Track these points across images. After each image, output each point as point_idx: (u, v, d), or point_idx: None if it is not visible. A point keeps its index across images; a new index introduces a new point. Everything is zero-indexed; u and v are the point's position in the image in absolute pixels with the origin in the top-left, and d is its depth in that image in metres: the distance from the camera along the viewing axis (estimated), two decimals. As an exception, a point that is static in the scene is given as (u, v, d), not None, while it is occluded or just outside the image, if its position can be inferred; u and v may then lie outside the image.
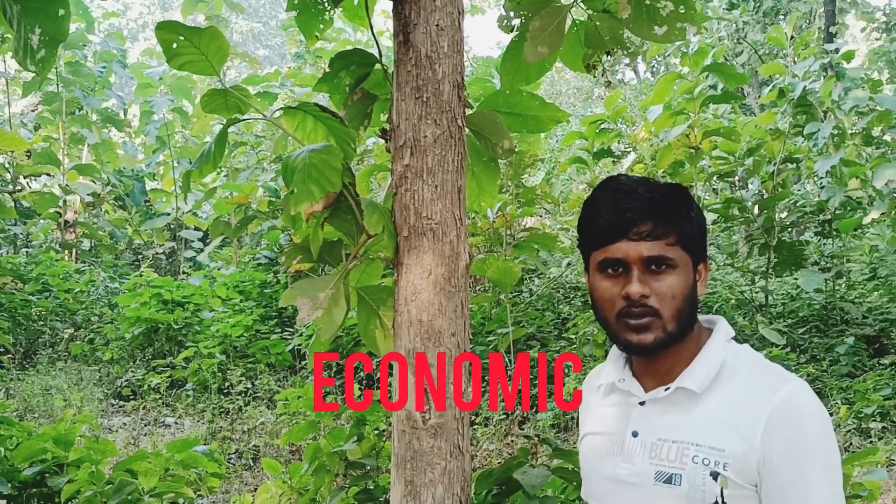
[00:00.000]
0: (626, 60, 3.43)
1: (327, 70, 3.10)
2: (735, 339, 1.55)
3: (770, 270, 8.05)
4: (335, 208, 2.73)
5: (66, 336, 9.98)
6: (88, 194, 13.33)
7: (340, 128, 2.89)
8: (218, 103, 2.91)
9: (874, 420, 5.57)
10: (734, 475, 1.36)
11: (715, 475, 1.37)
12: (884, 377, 6.28)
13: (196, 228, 14.23)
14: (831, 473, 1.35)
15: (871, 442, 5.27)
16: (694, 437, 1.41)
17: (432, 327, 2.56)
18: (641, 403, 1.51)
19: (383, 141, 2.78)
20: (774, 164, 8.04)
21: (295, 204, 2.52)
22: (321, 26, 3.39)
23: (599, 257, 1.48)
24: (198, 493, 3.28)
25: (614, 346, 1.61)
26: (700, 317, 1.53)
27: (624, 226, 1.43)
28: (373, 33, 3.08)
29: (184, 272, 13.39)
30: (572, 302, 8.87)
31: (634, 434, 1.49)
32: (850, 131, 8.60)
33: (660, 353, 1.47)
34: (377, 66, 3.03)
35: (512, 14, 3.29)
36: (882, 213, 8.29)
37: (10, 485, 3.21)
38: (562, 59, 3.40)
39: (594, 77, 3.68)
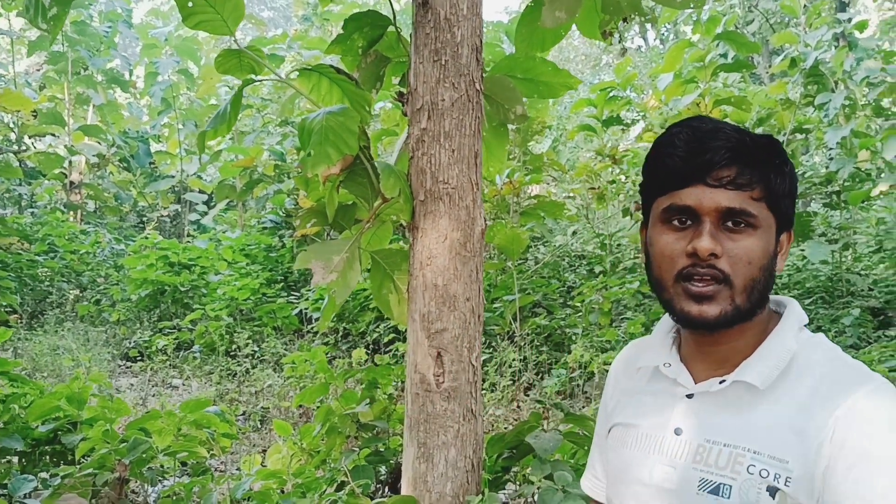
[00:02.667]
0: (638, 28, 3.40)
1: (340, 32, 3.08)
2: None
3: (777, 241, 8.03)
4: (351, 171, 2.73)
5: (72, 297, 10.01)
6: (94, 155, 13.31)
7: (356, 90, 2.87)
8: (232, 63, 2.89)
9: (879, 392, 5.59)
10: (795, 492, 1.11)
11: (773, 491, 1.12)
12: (889, 349, 6.29)
13: (201, 191, 14.23)
14: None
15: (875, 413, 5.29)
16: (751, 442, 1.16)
17: (447, 292, 2.57)
18: (689, 396, 1.27)
19: (390, 105, 2.77)
20: (784, 135, 7.99)
21: (312, 166, 2.52)
22: (334, -13, 3.34)
23: (665, 203, 1.22)
24: (211, 452, 3.31)
25: (661, 321, 1.39)
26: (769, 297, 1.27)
27: (702, 167, 1.18)
28: (388, -5, 3.04)
29: (188, 235, 13.41)
30: (577, 270, 8.87)
31: (677, 432, 1.25)
32: (861, 102, 8.54)
33: (722, 331, 1.22)
34: (390, 28, 3.00)
35: (529, -23, 3.26)
36: (891, 186, 8.25)
37: (23, 441, 3.24)
38: (578, 25, 3.38)
39: (609, 44, 3.64)
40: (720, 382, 1.22)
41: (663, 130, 1.27)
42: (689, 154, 1.19)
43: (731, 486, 1.15)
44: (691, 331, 1.26)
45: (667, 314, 1.28)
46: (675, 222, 1.21)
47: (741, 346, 1.23)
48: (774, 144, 1.22)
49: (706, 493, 1.17)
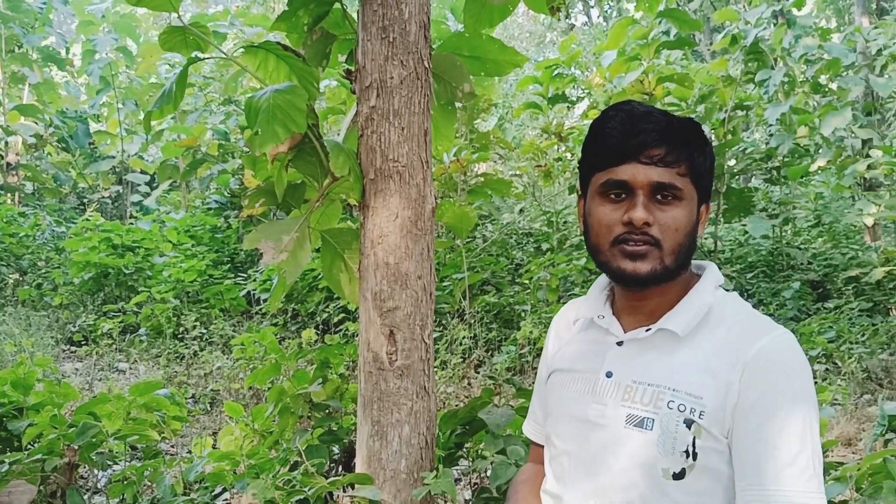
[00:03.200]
0: (581, 5, 3.42)
1: (283, 9, 3.04)
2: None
3: (719, 216, 8.19)
4: (299, 150, 2.70)
5: (12, 281, 9.78)
6: (31, 136, 12.96)
7: (303, 67, 2.84)
8: (177, 41, 2.85)
9: (819, 362, 5.75)
10: (708, 424, 1.29)
11: (689, 423, 1.30)
12: (828, 320, 6.48)
13: (143, 172, 13.95)
14: (807, 425, 1.27)
15: (815, 383, 5.44)
16: (671, 381, 1.34)
17: (399, 270, 2.57)
18: (619, 343, 1.44)
19: (336, 83, 2.75)
20: (726, 111, 8.13)
21: (260, 145, 2.49)
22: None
23: (603, 179, 1.38)
24: (162, 435, 3.28)
25: (597, 280, 1.57)
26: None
27: (636, 147, 1.34)
28: (333, -29, 3.00)
29: (131, 216, 13.16)
30: (525, 248, 8.95)
31: (608, 374, 1.42)
32: (799, 79, 8.72)
33: (651, 287, 1.39)
34: (336, 4, 2.98)
35: (476, -46, 3.26)
36: (828, 161, 8.46)
37: (-33, 429, 3.18)
38: (526, 2, 3.38)
39: (557, 19, 3.66)
40: (646, 331, 1.41)
41: (601, 112, 1.43)
42: (624, 135, 1.35)
43: (653, 420, 1.32)
44: (624, 286, 1.44)
45: (603, 274, 1.49)
46: (612, 195, 1.38)
47: (665, 300, 1.42)
48: (696, 127, 1.41)
49: (632, 426, 1.34)
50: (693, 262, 1.46)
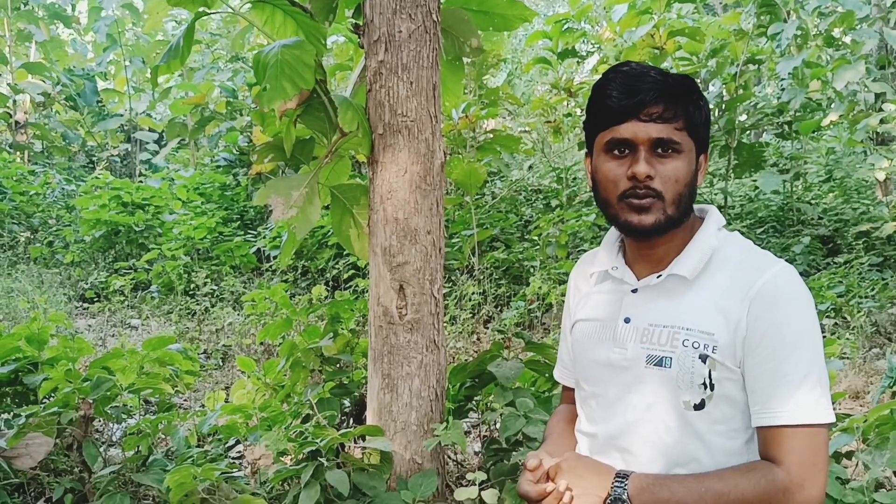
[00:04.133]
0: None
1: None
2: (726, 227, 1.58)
3: (730, 172, 8.15)
4: (308, 106, 2.70)
5: (23, 239, 9.84)
6: (38, 94, 12.93)
7: (310, 22, 2.82)
8: (185, -4, 2.82)
9: (828, 316, 5.76)
10: (721, 357, 1.40)
11: (704, 358, 1.41)
12: (837, 275, 6.47)
13: (151, 130, 13.91)
14: (812, 350, 1.38)
15: (824, 336, 5.45)
16: (684, 321, 1.45)
17: (408, 225, 2.58)
18: (634, 291, 1.55)
19: (343, 39, 2.73)
20: (737, 66, 8.03)
21: (268, 101, 2.49)
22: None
23: (607, 137, 1.48)
24: (175, 389, 3.33)
25: (608, 233, 1.67)
26: (693, 206, 1.56)
27: (635, 106, 1.44)
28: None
29: (140, 174, 13.17)
30: (534, 204, 8.93)
31: (626, 320, 1.53)
32: (812, 32, 8.60)
33: (657, 236, 1.49)
34: (345, -42, 2.95)
35: None
36: (840, 115, 8.37)
37: (-17, 383, 3.22)
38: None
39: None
40: (657, 277, 1.51)
41: (612, 65, 1.52)
42: (623, 95, 1.45)
43: (671, 358, 1.44)
44: (633, 237, 1.54)
45: (613, 227, 1.59)
46: (616, 152, 1.48)
47: (673, 247, 1.52)
48: (691, 83, 1.49)
49: (652, 366, 1.47)
50: (695, 206, 1.56)
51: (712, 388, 1.42)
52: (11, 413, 3.20)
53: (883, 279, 6.42)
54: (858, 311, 5.59)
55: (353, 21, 2.79)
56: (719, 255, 1.49)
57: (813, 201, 8.53)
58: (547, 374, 2.99)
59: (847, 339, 5.24)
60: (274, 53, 2.51)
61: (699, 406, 1.43)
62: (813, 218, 7.98)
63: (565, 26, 8.85)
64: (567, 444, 1.68)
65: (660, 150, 1.45)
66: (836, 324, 5.65)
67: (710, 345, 1.41)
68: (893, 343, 5.39)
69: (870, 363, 4.97)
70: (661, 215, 1.45)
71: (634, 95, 1.43)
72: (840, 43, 8.99)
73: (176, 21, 12.78)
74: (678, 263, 1.49)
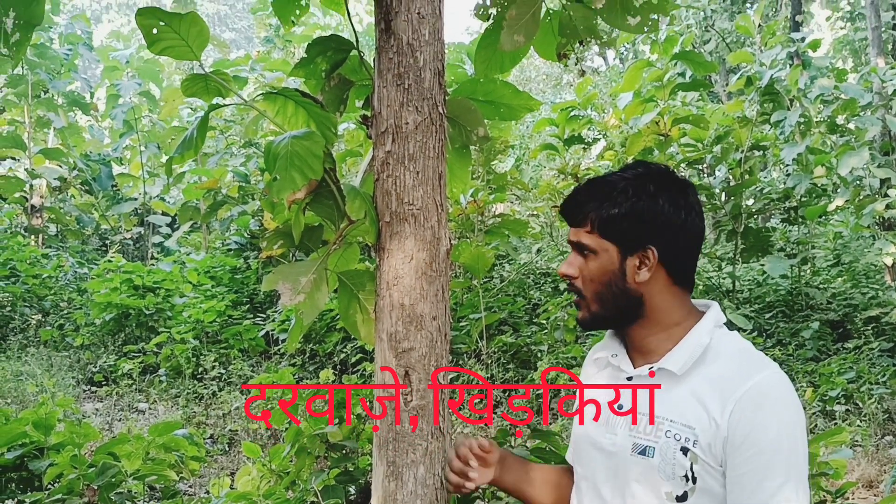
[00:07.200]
0: (597, 48, 3.48)
1: (302, 55, 3.11)
2: (727, 325, 1.61)
3: (737, 256, 8.18)
4: (317, 194, 2.75)
5: (34, 322, 9.88)
6: (55, 178, 13.16)
7: (321, 113, 2.90)
8: (199, 87, 2.91)
9: (838, 402, 5.70)
10: (702, 452, 1.45)
11: (685, 450, 1.46)
12: (847, 361, 6.44)
13: (164, 213, 14.11)
14: (793, 462, 1.41)
15: (835, 423, 5.40)
16: (670, 413, 1.50)
17: (414, 311, 2.60)
18: (629, 378, 1.61)
19: (354, 126, 2.81)
20: (742, 152, 8.15)
21: (278, 192, 2.54)
22: (297, 12, 3.39)
23: None
24: (180, 475, 3.30)
25: None
26: (696, 301, 1.62)
27: (563, 213, 1.65)
28: (349, 19, 3.09)
29: (152, 258, 13.29)
30: (542, 288, 8.95)
31: (619, 407, 1.59)
32: (815, 119, 8.74)
33: (593, 330, 1.70)
34: (353, 52, 3.04)
35: (488, 2, 3.33)
36: (846, 201, 8.45)
37: (-12, 469, 3.21)
38: (535, 48, 3.44)
39: (565, 65, 3.72)
40: (650, 369, 1.57)
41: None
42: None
43: (654, 448, 1.49)
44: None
45: None
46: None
47: (668, 339, 1.58)
48: (603, 183, 1.60)
49: (637, 454, 1.52)
50: (699, 301, 1.63)
51: (694, 481, 1.46)
52: (16, 500, 3.18)
53: (894, 365, 6.37)
54: (870, 398, 5.54)
55: (363, 113, 2.87)
56: (711, 352, 1.53)
57: (821, 286, 8.53)
58: (553, 462, 2.96)
59: (858, 426, 5.17)
60: (284, 144, 2.57)
61: (682, 498, 1.47)
62: (822, 303, 7.97)
63: (571, 114, 9.03)
64: (539, 467, 1.85)
65: (584, 252, 1.60)
66: (847, 410, 5.59)
67: (690, 438, 1.46)
68: (906, 430, 5.32)
69: (882, 451, 4.90)
70: (585, 312, 1.61)
71: (565, 202, 1.64)
72: (843, 129, 9.13)
73: (191, 108, 13.08)
74: (669, 358, 1.55)
